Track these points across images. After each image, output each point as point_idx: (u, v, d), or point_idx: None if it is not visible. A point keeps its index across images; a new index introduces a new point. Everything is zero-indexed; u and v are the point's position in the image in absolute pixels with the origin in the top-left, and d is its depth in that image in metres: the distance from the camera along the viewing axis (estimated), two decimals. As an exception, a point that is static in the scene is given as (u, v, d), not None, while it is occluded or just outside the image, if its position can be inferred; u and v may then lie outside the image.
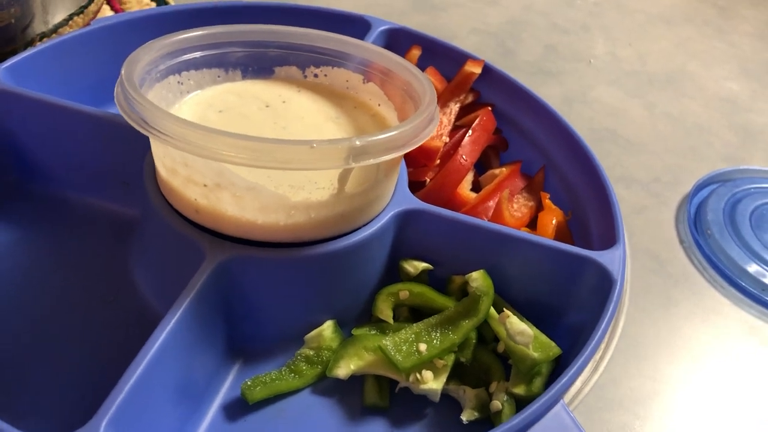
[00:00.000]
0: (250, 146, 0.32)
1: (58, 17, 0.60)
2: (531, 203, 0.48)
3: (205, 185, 0.36)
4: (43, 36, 0.59)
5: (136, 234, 0.43)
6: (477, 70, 0.52)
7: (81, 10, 0.61)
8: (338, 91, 0.46)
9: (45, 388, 0.36)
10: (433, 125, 0.38)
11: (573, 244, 0.45)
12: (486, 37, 0.77)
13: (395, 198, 0.41)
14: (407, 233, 0.41)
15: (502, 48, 0.76)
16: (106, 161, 0.45)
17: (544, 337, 0.38)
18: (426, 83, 0.40)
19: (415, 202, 0.41)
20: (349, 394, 0.39)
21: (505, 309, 0.38)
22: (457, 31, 0.77)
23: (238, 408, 0.37)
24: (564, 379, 0.34)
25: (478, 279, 0.39)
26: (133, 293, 0.41)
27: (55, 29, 0.60)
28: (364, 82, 0.45)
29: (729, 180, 0.61)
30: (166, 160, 0.37)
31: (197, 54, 0.43)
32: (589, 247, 0.43)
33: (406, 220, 0.41)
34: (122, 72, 0.36)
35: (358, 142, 0.33)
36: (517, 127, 0.53)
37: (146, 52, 0.39)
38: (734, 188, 0.60)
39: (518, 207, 0.47)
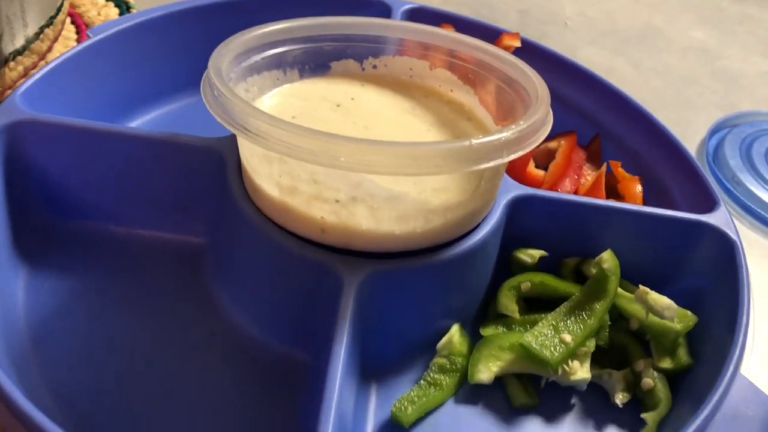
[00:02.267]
0: (406, 153, 0.30)
1: (24, 33, 0.53)
2: (595, 173, 0.48)
3: (337, 201, 0.32)
4: (16, 54, 0.52)
5: (221, 265, 0.39)
6: (516, 43, 0.51)
7: (50, 22, 0.54)
8: (403, 81, 0.43)
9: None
10: (551, 114, 0.36)
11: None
12: (459, 7, 0.75)
13: (501, 186, 0.39)
14: (516, 221, 0.39)
15: (479, 16, 0.74)
16: (161, 186, 0.40)
17: (679, 308, 0.38)
18: (524, 66, 0.38)
19: (522, 188, 0.39)
20: (493, 397, 0.37)
21: (640, 286, 0.38)
22: (429, 2, 0.75)
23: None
24: (737, 349, 0.33)
25: (608, 260, 0.38)
26: (232, 333, 0.37)
27: (27, 45, 0.52)
28: (431, 69, 0.43)
29: (734, 125, 0.63)
30: (284, 179, 0.33)
31: (259, 57, 0.39)
32: (675, 210, 0.43)
33: (515, 207, 0.39)
34: (220, 86, 0.32)
35: (510, 134, 0.31)
36: (556, 97, 0.52)
37: (221, 58, 0.35)
38: (742, 133, 0.62)
39: (592, 180, 0.47)
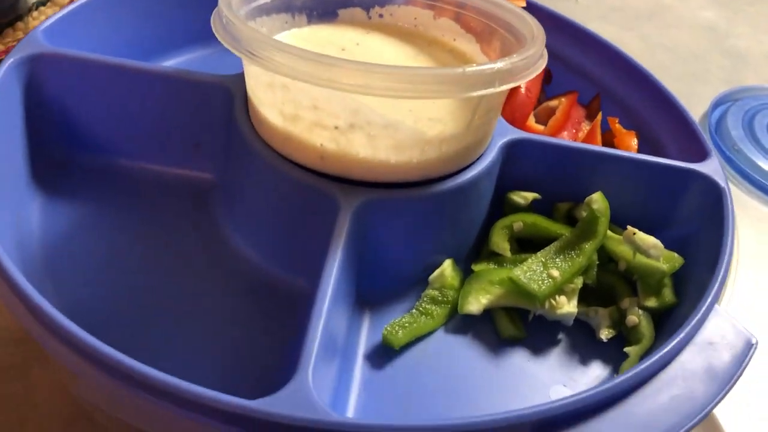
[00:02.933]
0: (400, 76, 0.31)
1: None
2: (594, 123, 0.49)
3: (336, 127, 0.34)
4: (39, 4, 0.54)
5: (228, 197, 0.41)
6: (521, 2, 0.52)
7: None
8: (407, 30, 0.44)
9: (186, 357, 0.34)
10: (545, 53, 0.37)
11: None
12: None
13: (497, 129, 0.40)
14: (512, 163, 0.41)
15: (492, -9, 0.76)
16: (173, 122, 0.42)
17: (665, 249, 0.39)
18: (519, 10, 0.40)
19: (518, 132, 0.40)
20: (481, 329, 0.38)
21: (628, 226, 0.39)
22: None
23: (382, 356, 0.36)
24: (716, 283, 0.34)
25: (598, 201, 0.39)
26: (239, 258, 0.39)
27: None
28: (435, 18, 0.44)
29: (738, 99, 0.64)
30: (286, 106, 0.35)
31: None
32: (669, 164, 0.44)
33: (511, 149, 0.40)
34: (229, 15, 0.34)
35: (502, 65, 0.33)
36: (560, 59, 0.53)
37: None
38: (745, 106, 0.63)
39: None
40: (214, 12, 0.36)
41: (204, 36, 0.50)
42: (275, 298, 0.38)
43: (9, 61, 0.39)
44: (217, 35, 0.35)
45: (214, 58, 0.52)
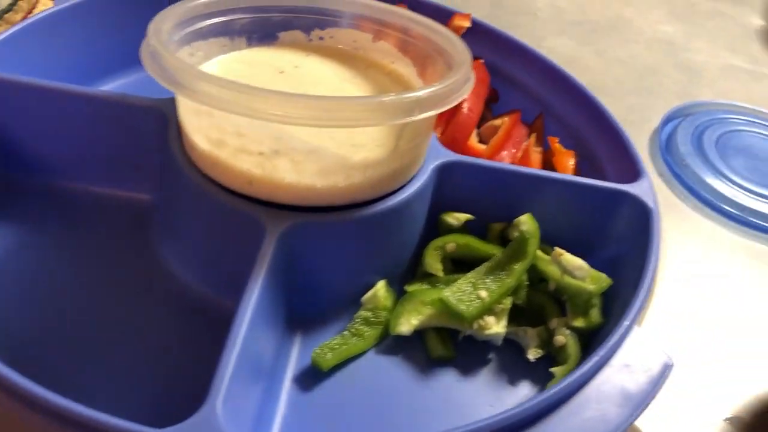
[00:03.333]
0: (319, 105, 0.32)
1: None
2: (539, 149, 0.49)
3: (261, 153, 0.35)
4: (-9, 20, 0.54)
5: (163, 219, 0.41)
6: (466, 23, 0.53)
7: (25, -8, 0.57)
8: (347, 52, 0.45)
9: (112, 383, 0.34)
10: (473, 77, 0.38)
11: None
12: (434, -4, 0.77)
13: (431, 152, 0.41)
14: (445, 186, 0.41)
15: (452, 3, 0.76)
16: (110, 144, 0.42)
17: (593, 270, 0.39)
18: (450, 34, 0.40)
19: (451, 155, 0.41)
20: (412, 350, 0.39)
21: (555, 248, 0.39)
22: (405, -7, 0.77)
23: (310, 378, 0.36)
24: (637, 303, 0.35)
25: (526, 222, 0.40)
26: (172, 281, 0.39)
27: (1, 15, 0.55)
28: (373, 41, 0.45)
29: (689, 114, 0.65)
30: (212, 132, 0.35)
31: (205, 23, 0.41)
32: (606, 183, 0.45)
33: (444, 172, 0.41)
34: (156, 45, 0.34)
35: (422, 93, 0.33)
36: (507, 78, 0.54)
37: (162, 21, 0.37)
38: (695, 121, 0.64)
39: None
40: (143, 40, 0.37)
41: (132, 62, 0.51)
42: (207, 321, 0.38)
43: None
44: (143, 64, 0.35)
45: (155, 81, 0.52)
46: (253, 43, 0.44)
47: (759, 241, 0.54)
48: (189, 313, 0.39)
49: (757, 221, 0.55)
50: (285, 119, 0.31)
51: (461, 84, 0.36)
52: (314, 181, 0.35)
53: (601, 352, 0.33)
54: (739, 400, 0.42)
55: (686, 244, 0.53)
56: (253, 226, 0.35)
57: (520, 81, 0.53)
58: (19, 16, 0.56)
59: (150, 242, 0.41)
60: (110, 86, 0.51)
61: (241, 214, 0.36)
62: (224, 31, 0.42)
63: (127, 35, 0.49)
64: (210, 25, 0.41)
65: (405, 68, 0.44)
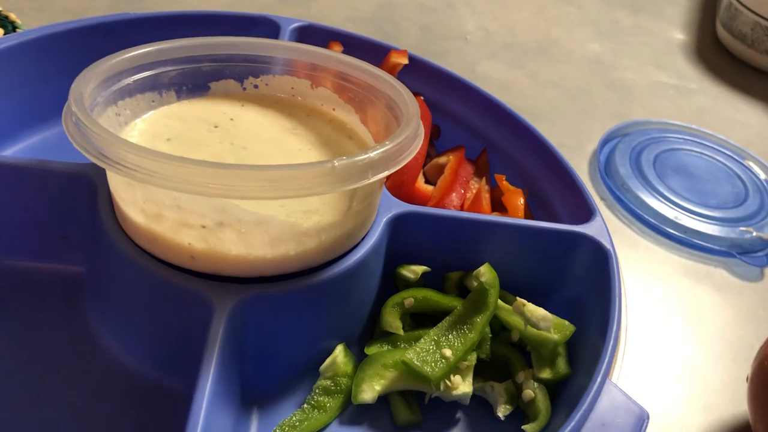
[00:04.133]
0: (268, 176, 0.29)
1: None
2: (487, 187, 0.48)
3: (203, 226, 0.32)
4: None
5: (97, 294, 0.38)
6: (403, 60, 0.51)
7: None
8: (285, 100, 0.43)
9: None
10: (422, 130, 0.36)
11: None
12: (363, 24, 0.76)
13: (381, 204, 0.39)
14: (398, 237, 0.39)
15: (382, 33, 0.75)
16: (35, 215, 0.39)
17: (556, 318, 0.38)
18: (394, 81, 0.39)
19: (403, 205, 0.39)
20: (377, 416, 0.37)
21: (518, 298, 0.38)
22: (333, 20, 0.75)
23: (271, 460, 0.34)
24: (606, 358, 0.34)
25: (486, 273, 0.38)
26: (109, 361, 0.36)
27: None
28: (312, 87, 0.42)
29: (625, 134, 0.65)
30: (148, 205, 0.32)
31: (130, 79, 0.38)
32: (556, 221, 0.44)
33: (397, 224, 0.39)
34: (79, 115, 0.31)
35: (374, 155, 0.31)
36: (448, 113, 0.53)
37: (85, 84, 0.34)
38: (632, 142, 0.64)
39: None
40: (65, 107, 0.34)
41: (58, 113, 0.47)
42: (152, 403, 0.35)
43: None
44: (68, 135, 0.32)
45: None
46: (183, 96, 0.41)
47: (706, 263, 0.54)
48: (131, 395, 0.35)
49: (702, 242, 0.55)
50: (230, 193, 0.29)
51: (412, 139, 0.34)
52: (264, 251, 0.33)
53: (576, 416, 0.32)
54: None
55: (638, 274, 0.52)
56: (199, 302, 0.33)
57: (461, 116, 0.52)
58: None
59: (84, 320, 0.38)
60: (25, 143, 0.47)
61: (185, 290, 0.33)
62: (152, 85, 0.39)
63: (37, 90, 0.46)
64: (136, 80, 0.38)
65: (347, 115, 0.42)
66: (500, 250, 0.40)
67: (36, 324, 0.38)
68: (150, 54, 0.39)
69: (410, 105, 0.36)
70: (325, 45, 0.52)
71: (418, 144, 0.35)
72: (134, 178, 0.29)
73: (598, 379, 0.33)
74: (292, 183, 0.29)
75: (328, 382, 0.37)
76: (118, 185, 0.34)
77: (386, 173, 0.32)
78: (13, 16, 0.62)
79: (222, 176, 0.29)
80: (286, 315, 0.35)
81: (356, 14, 0.77)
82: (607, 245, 0.40)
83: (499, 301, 0.39)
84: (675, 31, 0.86)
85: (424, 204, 0.45)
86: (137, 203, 0.33)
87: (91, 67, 0.36)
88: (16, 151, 0.46)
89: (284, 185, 0.29)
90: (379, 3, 0.80)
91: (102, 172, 0.37)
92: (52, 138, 0.47)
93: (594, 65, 0.77)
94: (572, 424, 0.31)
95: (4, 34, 0.60)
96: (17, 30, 0.61)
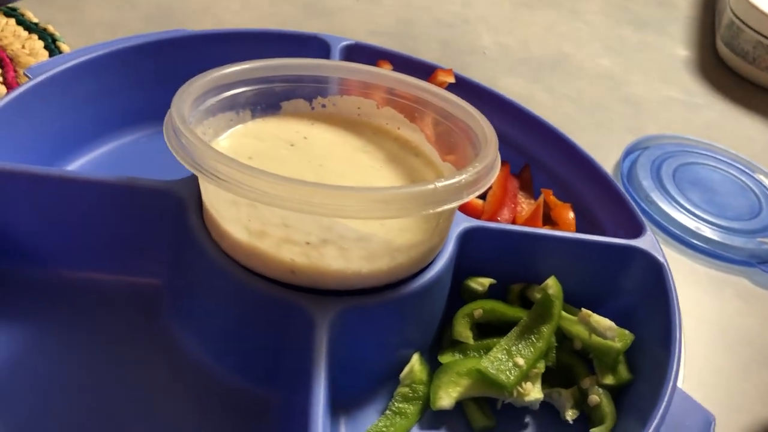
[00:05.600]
0: (380, 197, 0.31)
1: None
2: (531, 201, 0.51)
3: (307, 243, 0.34)
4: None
5: (180, 305, 0.39)
6: (450, 79, 0.53)
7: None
8: (351, 119, 0.45)
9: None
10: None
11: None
12: (386, 38, 0.78)
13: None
14: (466, 251, 0.41)
15: (405, 47, 0.77)
16: (115, 230, 0.40)
17: (618, 327, 0.41)
18: (467, 105, 0.41)
19: (470, 221, 0.42)
20: (453, 422, 0.39)
21: (582, 309, 0.41)
22: (357, 34, 0.77)
23: (362, 464, 0.36)
24: (674, 364, 0.37)
25: (553, 285, 0.41)
26: (198, 376, 0.38)
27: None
28: (378, 108, 0.44)
29: (644, 148, 0.68)
30: (253, 223, 0.34)
31: (214, 99, 0.40)
32: (603, 235, 0.47)
33: (465, 238, 0.41)
34: (190, 137, 0.33)
35: (469, 176, 0.34)
36: (489, 129, 0.55)
37: (183, 104, 0.36)
38: (651, 156, 0.67)
39: (526, 207, 0.50)
40: (166, 121, 0.35)
41: (134, 119, 0.49)
42: (244, 412, 0.37)
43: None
44: (173, 153, 0.33)
45: (146, 141, 0.50)
46: (257, 114, 0.43)
47: (728, 272, 0.57)
48: (220, 405, 0.37)
49: (723, 252, 0.58)
50: (342, 213, 0.31)
51: (494, 161, 0.36)
52: (361, 266, 0.35)
53: (653, 422, 0.34)
54: None
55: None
56: (300, 315, 0.34)
57: (502, 132, 0.54)
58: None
59: (167, 330, 0.39)
60: (95, 154, 0.48)
61: (286, 304, 0.35)
62: (231, 105, 0.41)
63: (102, 105, 0.48)
64: (219, 100, 0.40)
65: (412, 134, 0.44)
66: (557, 262, 0.43)
67: (114, 337, 0.39)
68: (232, 74, 0.40)
69: (486, 128, 0.39)
70: (372, 62, 0.54)
71: (498, 166, 0.37)
72: (249, 198, 0.31)
73: (670, 384, 0.35)
74: (399, 203, 0.31)
75: (407, 389, 0.39)
76: (219, 203, 0.35)
77: (477, 193, 0.34)
78: (51, 29, 0.63)
79: (337, 197, 0.31)
80: (376, 325, 0.37)
81: (378, 28, 0.79)
82: (661, 259, 0.42)
83: (562, 312, 0.41)
84: (678, 47, 0.90)
85: (477, 217, 0.47)
86: (241, 221, 0.34)
87: (184, 86, 0.37)
88: (87, 161, 0.47)
89: (393, 206, 0.31)
90: (398, 18, 0.82)
91: (192, 189, 0.38)
92: (121, 148, 0.48)
93: (606, 80, 0.80)
94: (651, 428, 0.34)
95: (45, 46, 0.61)
96: (57, 42, 0.62)
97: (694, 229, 0.60)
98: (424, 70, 0.54)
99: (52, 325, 0.38)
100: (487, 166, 0.35)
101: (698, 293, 0.55)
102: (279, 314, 0.35)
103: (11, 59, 0.59)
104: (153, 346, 0.39)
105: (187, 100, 0.36)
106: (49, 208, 0.39)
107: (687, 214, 0.61)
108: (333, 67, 0.44)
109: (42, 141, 0.44)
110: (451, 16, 0.86)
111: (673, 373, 0.36)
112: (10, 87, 0.56)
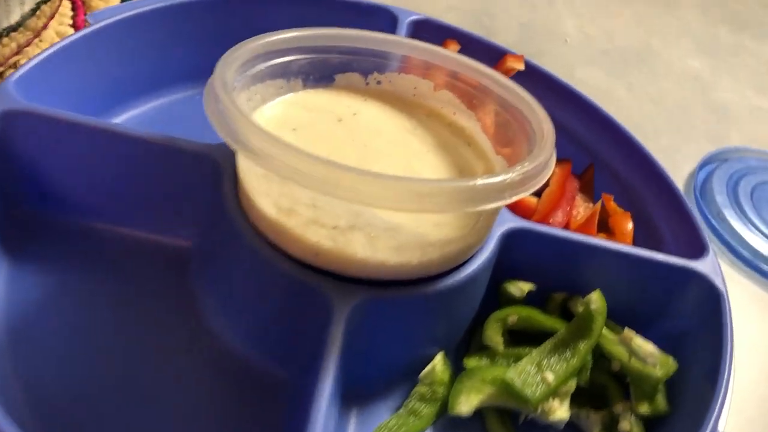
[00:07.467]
0: (410, 189, 0.29)
1: (21, 9, 0.51)
2: (590, 205, 0.48)
3: (335, 227, 0.32)
4: (10, 30, 0.50)
5: (205, 271, 0.38)
6: (519, 66, 0.50)
7: (47, -1, 0.53)
8: (406, 99, 0.43)
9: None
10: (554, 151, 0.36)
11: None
12: (464, 16, 0.75)
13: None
14: (508, 252, 0.39)
15: (481, 26, 0.74)
16: (153, 188, 0.39)
17: (661, 353, 0.38)
18: (531, 99, 0.38)
19: (517, 221, 0.39)
20: (471, 429, 0.37)
21: (626, 329, 0.38)
22: (434, 8, 0.74)
23: (368, 460, 0.35)
24: (717, 404, 0.34)
25: (597, 300, 0.38)
26: (214, 343, 0.37)
27: (23, 21, 0.51)
28: (435, 89, 0.42)
29: (724, 160, 0.64)
30: (283, 200, 0.33)
31: (263, 65, 0.38)
32: (662, 250, 0.43)
33: (509, 239, 0.39)
34: (233, 109, 0.31)
35: (515, 175, 0.31)
36: (555, 124, 0.51)
37: (227, 69, 0.34)
38: (730, 169, 0.63)
39: (583, 211, 0.47)
40: (207, 85, 0.34)
41: (188, 76, 0.48)
42: (255, 387, 0.36)
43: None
44: (209, 118, 0.32)
45: (198, 100, 0.49)
46: (308, 85, 0.41)
47: (798, 305, 0.53)
48: (230, 376, 0.36)
49: (796, 283, 0.54)
50: (371, 202, 0.29)
51: (547, 161, 0.34)
52: (388, 256, 0.33)
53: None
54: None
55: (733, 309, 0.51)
56: (320, 299, 0.33)
57: (569, 127, 0.51)
58: (41, 22, 0.52)
59: (189, 294, 0.39)
60: (146, 108, 0.48)
61: (308, 286, 0.33)
62: (282, 72, 0.39)
63: (158, 58, 0.47)
64: (268, 66, 0.38)
65: (467, 121, 0.42)
66: (608, 276, 0.40)
67: (140, 292, 0.39)
68: (284, 41, 0.38)
69: (545, 124, 0.36)
70: (439, 40, 0.52)
71: (552, 167, 0.34)
72: (276, 173, 0.29)
73: (709, 427, 0.33)
74: (434, 198, 0.29)
75: (426, 389, 0.37)
76: (251, 175, 0.34)
77: (522, 195, 0.32)
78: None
79: (367, 184, 0.29)
80: (399, 319, 0.35)
81: (457, 4, 0.76)
82: (720, 286, 0.39)
83: (603, 330, 0.39)
84: (778, 53, 0.84)
85: (528, 216, 0.45)
86: (271, 196, 0.33)
87: (232, 50, 0.36)
88: (137, 114, 0.47)
89: (426, 200, 0.29)
90: (479, -6, 0.79)
91: (228, 156, 0.37)
92: (172, 104, 0.48)
93: (692, 83, 0.75)
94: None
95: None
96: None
97: (766, 253, 0.56)
98: (494, 54, 0.51)
99: (79, 274, 0.38)
100: (538, 166, 0.32)
101: (760, 324, 0.51)
102: (299, 295, 0.34)
103: (83, 2, 0.59)
104: (175, 306, 0.38)
105: (233, 65, 0.35)
106: (90, 158, 0.39)
107: (761, 236, 0.57)
108: (394, 42, 0.42)
109: (92, 90, 0.44)
110: (534, -3, 0.82)
111: (715, 414, 0.33)
112: (77, 30, 0.56)
